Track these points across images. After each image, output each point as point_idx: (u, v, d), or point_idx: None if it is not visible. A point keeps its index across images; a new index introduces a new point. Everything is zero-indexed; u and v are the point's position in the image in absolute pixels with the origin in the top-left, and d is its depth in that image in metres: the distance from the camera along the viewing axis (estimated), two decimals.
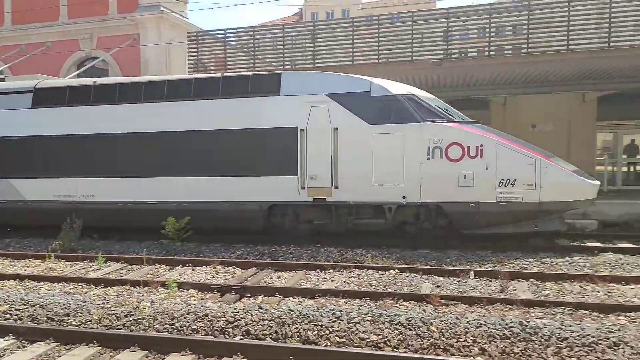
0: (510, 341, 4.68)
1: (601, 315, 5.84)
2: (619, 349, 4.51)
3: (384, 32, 14.36)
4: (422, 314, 5.33)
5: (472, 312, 6.02)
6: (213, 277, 7.98)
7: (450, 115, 9.72)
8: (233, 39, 16.15)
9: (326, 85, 9.95)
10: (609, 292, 6.69)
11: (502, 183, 9.14)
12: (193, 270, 8.40)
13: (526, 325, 4.95)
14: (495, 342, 4.69)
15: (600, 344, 4.58)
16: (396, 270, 7.89)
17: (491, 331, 4.83)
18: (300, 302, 6.58)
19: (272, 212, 10.27)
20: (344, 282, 7.42)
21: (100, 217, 11.04)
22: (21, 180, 11.56)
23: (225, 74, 11.38)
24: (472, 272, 7.63)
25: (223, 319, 5.38)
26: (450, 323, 5.01)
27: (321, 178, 9.80)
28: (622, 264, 8.19)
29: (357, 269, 7.98)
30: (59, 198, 11.24)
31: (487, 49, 13.92)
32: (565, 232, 10.12)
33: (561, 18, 13.04)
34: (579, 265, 8.14)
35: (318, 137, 9.79)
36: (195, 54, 15.86)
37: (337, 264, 8.26)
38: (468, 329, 4.90)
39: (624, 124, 15.96)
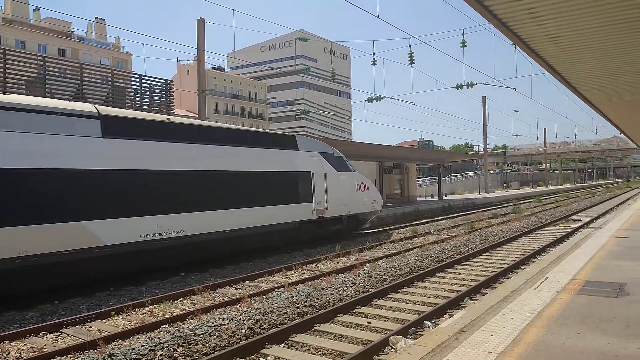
0: None
1: None
2: None
3: None
4: None
5: None
6: None
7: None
8: None
9: (316, 147, 16.61)
10: None
11: (373, 201, 18.50)
12: None
13: None
14: None
15: None
16: None
17: None
18: None
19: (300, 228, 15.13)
20: None
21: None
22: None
23: (268, 131, 18.92)
24: None
25: None
26: None
27: (320, 202, 15.86)
28: None
29: None
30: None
31: None
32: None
33: None
34: None
35: (319, 178, 15.91)
36: None
37: None
38: None
39: None
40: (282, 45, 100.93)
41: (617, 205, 30.36)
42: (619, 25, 6.33)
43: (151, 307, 8.54)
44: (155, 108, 17.83)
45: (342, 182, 16.94)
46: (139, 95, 17.38)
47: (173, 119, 12.42)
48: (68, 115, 9.63)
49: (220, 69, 75.85)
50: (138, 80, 17.23)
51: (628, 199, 37.08)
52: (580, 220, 21.93)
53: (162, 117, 12.25)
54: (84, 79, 15.29)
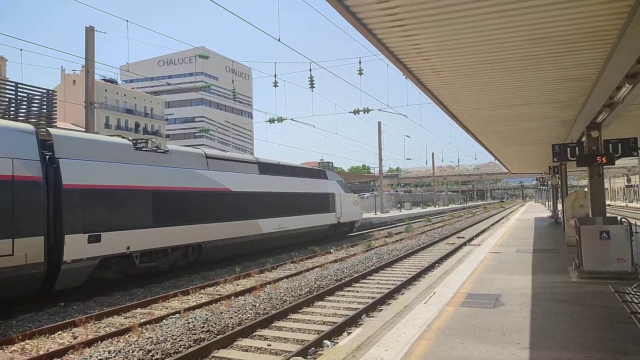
0: None
1: None
2: None
3: None
4: None
5: None
6: None
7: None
8: None
9: (334, 176, 25.90)
10: None
11: (360, 213, 28.86)
12: None
13: None
14: None
15: None
16: None
17: None
18: None
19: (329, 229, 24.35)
20: None
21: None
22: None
23: (306, 166, 24.97)
24: None
25: None
26: None
27: (338, 213, 24.52)
28: None
29: None
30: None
31: None
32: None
33: None
34: None
35: (337, 197, 24.57)
36: None
37: None
38: None
39: None
40: (182, 61, 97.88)
41: (494, 224, 33.74)
42: (491, 64, 7.14)
43: (22, 343, 7.55)
44: (33, 120, 16.08)
45: (347, 199, 26.19)
46: (14, 104, 15.59)
47: (281, 161, 20.99)
48: (249, 163, 18.19)
49: (112, 81, 71.13)
50: (13, 88, 15.49)
51: (502, 218, 41.41)
52: (463, 237, 23.98)
53: (275, 161, 20.61)
54: None
